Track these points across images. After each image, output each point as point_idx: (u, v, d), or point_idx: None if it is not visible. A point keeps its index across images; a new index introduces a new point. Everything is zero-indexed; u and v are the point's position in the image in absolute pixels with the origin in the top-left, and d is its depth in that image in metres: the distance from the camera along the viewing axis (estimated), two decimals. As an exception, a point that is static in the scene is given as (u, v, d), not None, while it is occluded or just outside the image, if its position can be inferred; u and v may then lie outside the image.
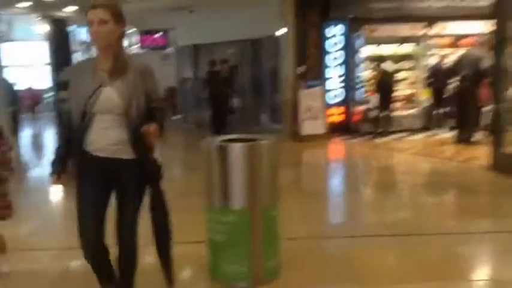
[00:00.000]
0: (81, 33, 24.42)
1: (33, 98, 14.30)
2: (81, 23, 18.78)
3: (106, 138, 2.57)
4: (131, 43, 23.72)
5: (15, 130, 13.30)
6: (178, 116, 16.88)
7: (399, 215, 4.90)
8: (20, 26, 24.81)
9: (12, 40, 25.46)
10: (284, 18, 10.84)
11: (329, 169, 8.01)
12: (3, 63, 14.67)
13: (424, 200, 5.52)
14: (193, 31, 13.78)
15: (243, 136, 3.57)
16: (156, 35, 16.35)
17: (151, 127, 2.56)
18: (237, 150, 3.29)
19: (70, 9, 12.91)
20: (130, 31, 23.18)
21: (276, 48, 11.71)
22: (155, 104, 2.69)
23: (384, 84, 9.79)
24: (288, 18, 10.69)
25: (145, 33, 16.27)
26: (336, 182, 7.19)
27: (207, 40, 13.59)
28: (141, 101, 2.58)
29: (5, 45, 24.55)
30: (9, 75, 13.64)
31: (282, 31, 10.92)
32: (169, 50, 19.14)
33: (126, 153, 2.59)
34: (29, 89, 14.07)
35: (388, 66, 10.16)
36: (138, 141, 2.57)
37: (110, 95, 2.55)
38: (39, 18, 12.65)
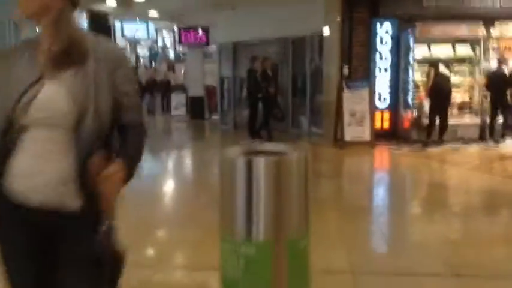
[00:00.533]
0: (126, 29, 24.55)
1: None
2: (123, 18, 18.58)
3: (42, 171, 1.51)
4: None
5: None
6: (217, 116, 16.31)
7: (461, 249, 3.99)
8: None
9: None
10: (329, 14, 10.00)
11: (375, 183, 6.99)
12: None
13: (489, 229, 4.56)
14: (234, 28, 13.13)
15: (271, 147, 2.80)
16: (197, 32, 15.82)
17: (106, 162, 1.51)
18: (259, 167, 2.53)
19: (110, 2, 12.57)
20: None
21: (319, 46, 10.88)
22: (129, 116, 1.64)
23: (439, 89, 8.75)
24: (333, 14, 9.85)
25: (186, 29, 15.76)
26: (382, 200, 6.18)
27: (247, 38, 12.89)
28: (104, 109, 1.55)
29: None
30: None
31: (326, 28, 10.08)
32: (212, 47, 18.64)
33: (75, 201, 1.53)
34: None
35: (444, 69, 9.12)
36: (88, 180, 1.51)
37: (53, 95, 1.52)
38: (79, 11, 12.28)
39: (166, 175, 7.43)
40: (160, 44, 28.79)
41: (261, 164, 2.52)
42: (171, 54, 28.42)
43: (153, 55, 26.68)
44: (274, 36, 12.18)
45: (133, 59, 27.86)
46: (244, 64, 13.36)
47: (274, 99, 10.14)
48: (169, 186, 6.61)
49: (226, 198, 2.64)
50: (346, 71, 9.77)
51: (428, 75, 9.19)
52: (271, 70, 10.34)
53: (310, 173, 2.71)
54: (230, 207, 2.63)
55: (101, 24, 11.85)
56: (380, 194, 6.32)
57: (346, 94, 9.11)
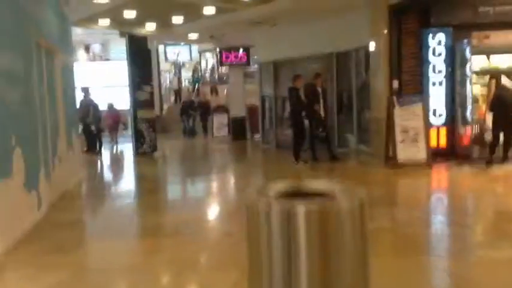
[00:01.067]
0: (169, 53, 24.73)
1: (114, 117, 13.97)
2: (166, 42, 18.62)
3: None
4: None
5: (98, 149, 13.01)
6: (258, 136, 15.80)
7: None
8: (115, 46, 25.71)
9: (107, 59, 26.43)
10: (375, 26, 9.32)
11: (435, 211, 6.04)
12: (89, 84, 14.89)
13: None
14: (274, 46, 12.67)
15: (315, 185, 2.20)
16: (238, 52, 15.51)
17: None
18: (299, 216, 1.94)
19: (150, 26, 12.45)
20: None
21: (365, 60, 10.18)
22: None
23: (501, 102, 7.84)
24: (380, 26, 9.16)
25: (227, 50, 15.48)
26: (447, 235, 5.04)
27: (287, 55, 12.38)
28: None
29: (92, 65, 25.56)
30: (93, 95, 13.46)
31: (372, 41, 9.40)
32: (253, 67, 18.31)
33: None
34: (111, 109, 13.72)
35: (507, 81, 8.20)
36: None
37: None
38: (119, 35, 12.21)
39: (205, 202, 6.94)
40: (203, 65, 28.86)
41: (301, 212, 1.93)
42: (214, 76, 28.42)
43: (195, 77, 26.68)
44: (317, 52, 11.60)
45: (176, 81, 28.08)
46: (285, 82, 12.83)
47: (320, 117, 9.45)
48: (206, 214, 6.10)
49: (256, 255, 2.05)
50: (396, 85, 9.03)
51: (489, 88, 8.29)
52: (321, 87, 9.68)
53: (367, 222, 2.08)
54: (261, 267, 2.03)
55: (140, 48, 11.71)
56: (443, 224, 5.43)
57: (397, 110, 8.35)
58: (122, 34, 12.11)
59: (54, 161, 6.76)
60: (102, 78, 23.18)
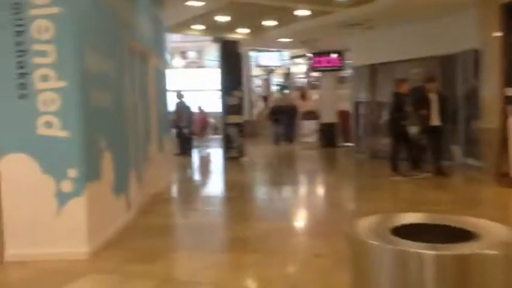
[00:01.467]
0: (260, 57, 24.76)
1: (203, 121, 14.06)
2: (257, 45, 18.55)
3: None
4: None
5: (188, 151, 13.18)
6: (351, 144, 15.07)
7: None
8: (209, 53, 26.36)
9: (201, 66, 27.18)
10: (486, 27, 8.30)
11: None
12: (183, 88, 15.24)
13: None
14: (370, 50, 11.96)
15: (445, 220, 1.69)
16: (330, 57, 14.95)
17: None
18: (428, 266, 1.44)
19: (242, 31, 12.35)
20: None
21: (474, 64, 9.14)
22: None
23: None
24: (491, 27, 8.14)
25: (319, 54, 14.99)
26: None
27: (385, 59, 11.60)
28: None
29: (188, 71, 26.34)
30: (186, 99, 13.68)
31: (483, 44, 8.39)
32: (346, 72, 17.62)
33: None
34: (200, 112, 13.83)
35: None
36: None
37: None
38: (212, 41, 12.26)
39: (292, 215, 6.52)
40: (294, 71, 28.59)
41: (430, 256, 1.44)
42: (304, 81, 28.02)
43: (284, 83, 26.49)
44: (418, 56, 10.70)
45: (265, 87, 28.09)
46: (382, 87, 12.05)
47: (426, 125, 8.48)
48: (293, 229, 5.68)
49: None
50: (510, 93, 7.95)
51: None
52: (437, 93, 8.67)
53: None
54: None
55: (231, 51, 11.64)
56: None
57: (514, 120, 7.32)
58: (215, 40, 12.14)
59: (145, 165, 6.75)
60: (195, 83, 23.89)
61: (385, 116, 12.11)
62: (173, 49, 28.52)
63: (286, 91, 25.14)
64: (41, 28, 4.12)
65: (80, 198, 4.16)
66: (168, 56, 28.35)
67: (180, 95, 13.15)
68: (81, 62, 4.26)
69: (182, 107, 12.94)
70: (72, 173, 4.16)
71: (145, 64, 7.05)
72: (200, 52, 28.27)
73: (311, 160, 13.20)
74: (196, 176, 10.08)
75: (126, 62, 5.69)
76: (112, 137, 5.01)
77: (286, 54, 27.06)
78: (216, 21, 10.86)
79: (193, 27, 11.61)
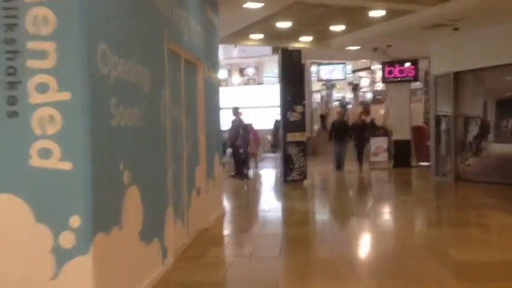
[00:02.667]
0: (321, 70, 23.20)
1: (256, 139, 12.65)
2: (318, 57, 17.02)
3: None
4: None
5: (244, 172, 11.87)
6: (426, 163, 13.12)
7: None
8: (268, 70, 25.22)
9: (260, 83, 26.06)
10: None
11: None
12: (241, 105, 14.03)
13: None
14: (454, 55, 10.14)
15: None
16: (403, 66, 13.19)
17: None
18: None
19: (305, 39, 10.95)
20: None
21: None
22: None
23: None
24: None
25: (391, 64, 13.27)
26: None
27: (474, 65, 9.74)
28: None
29: (246, 88, 25.31)
30: (243, 116, 12.44)
31: None
32: (416, 84, 15.69)
33: None
34: (253, 130, 12.44)
35: None
36: None
37: None
38: (272, 50, 10.95)
39: (363, 261, 4.95)
40: (357, 84, 26.79)
41: None
42: (367, 95, 26.17)
43: (345, 100, 24.69)
44: (516, 61, 8.80)
45: (324, 105, 26.45)
46: (470, 98, 10.16)
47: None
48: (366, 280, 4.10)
49: None
50: None
51: None
52: None
53: None
54: None
55: (293, 62, 10.25)
56: None
57: None
58: (274, 50, 10.83)
59: (191, 196, 5.46)
60: (254, 100, 22.75)
61: (474, 131, 10.22)
62: (231, 66, 27.78)
63: (349, 106, 23.38)
64: (38, 19, 2.93)
65: (84, 257, 2.88)
66: (226, 73, 27.63)
67: (236, 112, 11.92)
68: (92, 65, 3.02)
69: (238, 125, 11.69)
70: (75, 221, 2.89)
71: (194, 74, 5.81)
72: (259, 68, 27.22)
73: (383, 183, 11.43)
74: (253, 204, 8.63)
75: (166, 69, 4.43)
76: (141, 166, 3.72)
77: (349, 67, 25.41)
78: (277, 27, 9.53)
79: (251, 36, 10.36)
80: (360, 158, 13.15)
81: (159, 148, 4.24)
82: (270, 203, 8.48)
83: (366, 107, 19.29)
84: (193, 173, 5.62)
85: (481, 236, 5.54)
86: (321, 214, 7.43)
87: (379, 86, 25.43)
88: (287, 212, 7.68)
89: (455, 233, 5.65)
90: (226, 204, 7.88)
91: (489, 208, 7.06)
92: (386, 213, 7.48)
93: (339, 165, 12.42)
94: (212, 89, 6.71)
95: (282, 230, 6.23)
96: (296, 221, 6.67)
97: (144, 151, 3.84)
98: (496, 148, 9.76)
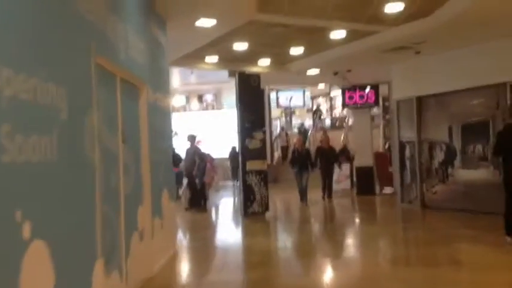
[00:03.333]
0: (280, 97, 22.77)
1: (213, 168, 11.80)
2: (277, 82, 16.47)
3: None
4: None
5: (200, 204, 10.96)
6: (389, 191, 12.68)
7: None
8: (227, 96, 24.59)
9: (219, 108, 25.37)
10: None
11: None
12: (199, 132, 13.24)
13: None
14: (417, 79, 9.79)
15: None
16: (364, 91, 12.81)
17: None
18: None
19: (263, 63, 10.35)
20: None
21: None
22: None
23: None
24: None
25: (351, 89, 12.88)
26: None
27: (437, 89, 9.40)
28: None
29: (204, 114, 24.58)
30: (200, 144, 11.61)
31: None
32: (374, 110, 15.38)
33: None
34: (210, 159, 11.59)
35: None
36: None
37: None
38: (229, 74, 10.26)
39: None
40: (318, 108, 26.58)
41: None
42: (327, 121, 25.98)
43: (303, 127, 24.28)
44: (481, 84, 8.48)
45: (288, 127, 26.00)
46: (434, 123, 9.77)
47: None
48: None
49: None
50: None
51: None
52: None
53: None
54: None
55: (251, 86, 9.59)
56: None
57: None
58: (231, 73, 10.15)
59: (131, 241, 4.54)
60: (213, 126, 21.98)
61: (439, 157, 9.81)
62: (189, 92, 27.01)
63: (309, 132, 22.97)
64: None
65: None
66: (184, 99, 26.74)
67: (192, 140, 11.08)
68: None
69: (194, 154, 10.84)
70: None
71: (133, 97, 4.97)
72: (217, 95, 26.59)
73: (348, 213, 10.79)
74: (210, 242, 7.70)
75: (93, 89, 3.58)
76: (51, 214, 2.82)
77: (307, 94, 25.18)
78: (233, 50, 8.86)
79: (207, 59, 9.63)
80: (328, 187, 12.09)
81: (83, 187, 3.35)
82: (229, 240, 7.58)
83: (324, 132, 18.64)
84: (134, 214, 4.72)
85: (459, 277, 4.89)
86: (285, 252, 6.59)
87: (338, 112, 25.32)
88: (248, 251, 6.81)
89: (431, 274, 4.97)
90: (180, 243, 6.94)
91: (462, 241, 6.48)
92: (353, 251, 6.74)
93: (302, 197, 11.15)
94: (160, 114, 5.88)
95: (242, 275, 5.34)
96: (258, 262, 5.80)
97: (58, 193, 2.94)
98: (463, 174, 9.35)
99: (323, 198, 11.96)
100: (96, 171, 3.55)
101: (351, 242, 7.34)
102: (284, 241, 7.55)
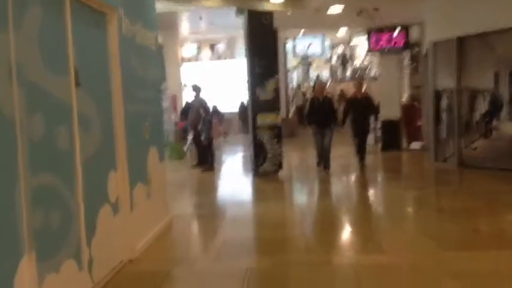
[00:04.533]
0: (297, 44, 21.10)
1: (221, 123, 10.62)
2: (293, 25, 14.81)
3: None
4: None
5: (207, 162, 9.89)
6: (417, 147, 11.40)
7: None
8: (241, 44, 23.02)
9: (232, 59, 23.86)
10: None
11: None
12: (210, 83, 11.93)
13: None
14: (458, 15, 8.27)
15: None
16: (392, 33, 11.28)
17: None
18: None
19: (276, 0, 8.87)
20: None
21: None
22: None
23: None
24: None
25: (378, 31, 11.36)
26: None
27: (482, 28, 7.89)
28: None
29: (215, 64, 23.17)
30: (206, 96, 10.38)
31: None
32: (405, 53, 13.79)
33: None
34: (216, 111, 10.36)
35: None
36: None
37: None
38: (235, 13, 8.84)
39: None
40: (334, 59, 24.91)
41: None
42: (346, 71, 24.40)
43: (320, 78, 22.67)
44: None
45: (305, 79, 24.49)
46: (478, 69, 8.34)
47: None
48: None
49: None
50: None
51: None
52: None
53: None
54: None
55: (262, 27, 8.21)
56: None
57: None
58: (239, 11, 8.73)
59: (98, 218, 3.46)
60: (225, 77, 20.67)
61: (482, 108, 8.45)
62: (200, 41, 25.43)
63: (328, 84, 21.42)
64: None
65: None
66: (195, 49, 25.25)
67: (197, 89, 9.85)
68: None
69: (199, 106, 9.64)
70: None
71: (96, 27, 3.72)
72: (230, 44, 25.03)
73: (375, 172, 9.46)
74: (212, 209, 6.58)
75: (8, 4, 2.37)
76: None
77: (326, 43, 23.46)
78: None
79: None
80: (361, 150, 9.19)
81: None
82: (234, 207, 6.48)
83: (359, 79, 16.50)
84: (101, 182, 3.61)
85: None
86: (303, 224, 5.42)
87: (359, 62, 23.69)
88: (257, 221, 5.70)
89: (490, 260, 3.82)
90: (178, 210, 5.89)
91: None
92: (384, 224, 5.56)
93: (321, 161, 8.70)
94: (142, 55, 4.64)
95: (247, 260, 4.16)
96: (269, 239, 4.69)
97: None
98: (510, 128, 8.01)
99: (361, 167, 9.09)
100: (17, 123, 2.40)
101: (380, 212, 6.14)
102: (300, 208, 6.38)
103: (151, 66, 4.91)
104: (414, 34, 11.96)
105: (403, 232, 4.78)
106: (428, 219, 5.33)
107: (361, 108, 8.96)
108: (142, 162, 4.49)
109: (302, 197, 7.38)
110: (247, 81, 8.45)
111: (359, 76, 21.78)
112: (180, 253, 4.43)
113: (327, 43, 22.91)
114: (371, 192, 7.44)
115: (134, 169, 4.16)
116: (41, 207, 2.64)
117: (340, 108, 11.77)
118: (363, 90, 9.49)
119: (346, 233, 4.95)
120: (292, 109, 19.03)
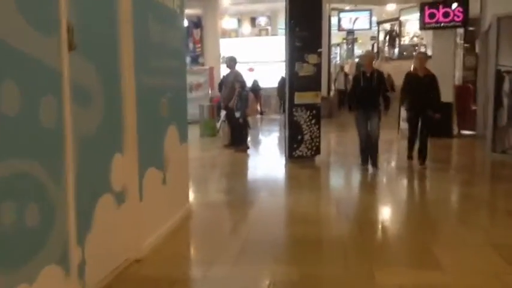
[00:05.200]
0: (342, 18, 19.91)
1: (257, 98, 9.90)
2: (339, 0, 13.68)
3: None
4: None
5: (240, 143, 9.27)
6: (470, 132, 10.36)
7: None
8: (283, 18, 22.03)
9: (274, 34, 22.93)
10: None
11: None
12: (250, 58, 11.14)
13: None
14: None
15: None
16: (450, 8, 10.13)
17: None
18: None
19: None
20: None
21: None
22: None
23: None
24: None
25: (432, 5, 10.24)
26: None
27: None
28: None
29: (257, 40, 22.24)
30: (241, 70, 9.70)
31: None
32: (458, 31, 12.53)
33: None
34: (255, 87, 9.64)
35: None
36: None
37: None
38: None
39: None
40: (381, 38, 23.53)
41: None
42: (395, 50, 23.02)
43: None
44: None
45: (349, 56, 23.26)
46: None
47: None
48: None
49: None
50: None
51: None
52: None
53: None
54: None
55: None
56: None
57: None
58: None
59: (95, 210, 2.88)
60: (266, 53, 19.84)
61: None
62: (241, 14, 24.59)
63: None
64: None
65: None
66: (236, 22, 24.44)
67: (231, 63, 9.16)
68: None
69: (233, 81, 8.96)
70: None
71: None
72: (272, 18, 24.06)
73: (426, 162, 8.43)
74: (238, 198, 5.87)
75: None
76: None
77: (374, 19, 22.16)
78: None
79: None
80: (422, 149, 7.22)
81: None
82: (263, 195, 5.81)
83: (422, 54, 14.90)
84: (103, 167, 3.02)
85: None
86: (341, 223, 4.68)
87: (408, 39, 22.29)
88: (287, 215, 5.03)
89: None
90: (202, 197, 5.28)
91: None
92: (443, 227, 4.75)
93: (366, 158, 6.95)
94: (162, 17, 3.97)
95: (271, 268, 3.46)
96: (299, 240, 4.00)
97: None
98: None
99: (419, 161, 7.25)
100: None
101: (435, 214, 5.29)
102: (338, 202, 5.56)
103: (173, 30, 4.24)
104: (473, 9, 10.76)
105: (464, 242, 3.97)
106: (497, 226, 4.49)
107: (423, 89, 6.97)
108: (157, 143, 3.87)
109: (341, 188, 6.62)
110: (286, 55, 7.67)
111: (406, 55, 20.41)
112: (195, 253, 3.83)
113: (374, 18, 21.61)
114: (424, 188, 6.55)
115: (146, 152, 3.56)
116: (10, 202, 2.06)
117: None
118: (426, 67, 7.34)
119: (393, 239, 4.20)
120: (332, 93, 18.02)
